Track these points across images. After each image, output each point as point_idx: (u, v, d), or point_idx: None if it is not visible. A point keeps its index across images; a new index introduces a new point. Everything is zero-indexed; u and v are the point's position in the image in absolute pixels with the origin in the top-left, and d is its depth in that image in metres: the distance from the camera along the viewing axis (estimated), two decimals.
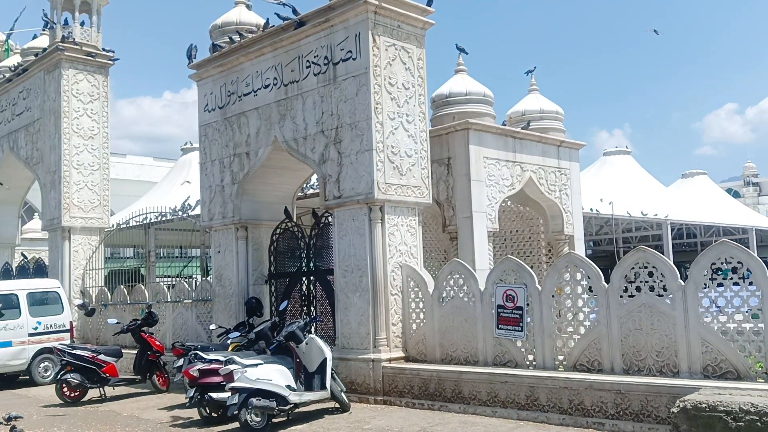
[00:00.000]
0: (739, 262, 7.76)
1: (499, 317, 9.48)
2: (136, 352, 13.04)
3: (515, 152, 13.41)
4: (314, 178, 14.20)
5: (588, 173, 29.13)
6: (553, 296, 9.15)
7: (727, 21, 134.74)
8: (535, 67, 16.01)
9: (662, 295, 8.19)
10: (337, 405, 9.70)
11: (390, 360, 10.32)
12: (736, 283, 7.88)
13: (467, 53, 14.46)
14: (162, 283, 16.39)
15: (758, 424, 5.99)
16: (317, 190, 13.06)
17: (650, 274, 8.28)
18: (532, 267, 11.46)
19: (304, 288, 12.04)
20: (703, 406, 6.30)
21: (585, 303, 8.96)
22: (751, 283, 7.72)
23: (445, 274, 10.36)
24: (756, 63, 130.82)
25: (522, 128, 13.99)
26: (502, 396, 8.93)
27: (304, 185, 14.64)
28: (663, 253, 18.54)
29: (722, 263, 7.92)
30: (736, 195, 41.20)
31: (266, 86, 12.30)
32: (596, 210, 23.31)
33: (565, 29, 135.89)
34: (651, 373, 8.13)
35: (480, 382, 9.20)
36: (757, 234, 32.30)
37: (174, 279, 19.82)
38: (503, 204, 13.51)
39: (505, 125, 14.28)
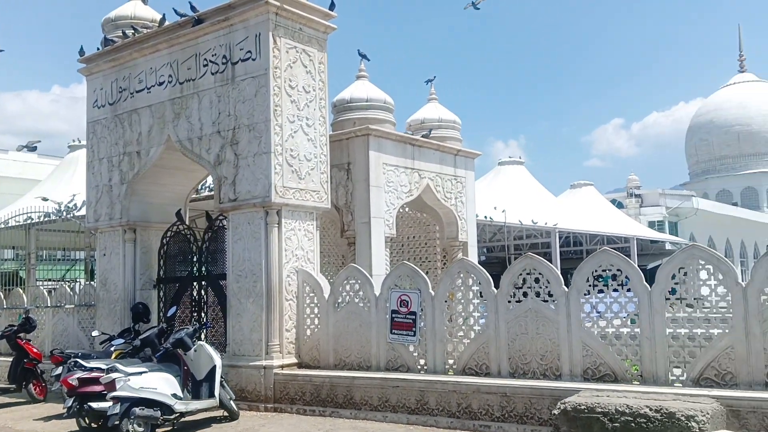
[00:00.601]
0: (618, 270, 8.18)
1: (392, 322, 9.55)
2: (11, 359, 12.27)
3: (414, 159, 13.60)
4: (209, 179, 13.82)
5: (483, 182, 29.91)
6: (445, 301, 9.30)
7: (616, 38, 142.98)
8: (434, 77, 16.26)
9: (547, 301, 8.50)
10: (226, 413, 9.44)
11: (282, 366, 10.16)
12: (615, 290, 8.29)
13: (369, 59, 14.53)
14: (42, 287, 15.49)
15: (632, 424, 6.31)
16: (212, 192, 12.73)
17: (537, 280, 8.57)
18: (427, 272, 11.65)
19: (194, 293, 11.66)
20: (582, 407, 6.58)
21: (475, 308, 9.17)
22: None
23: (341, 279, 10.32)
24: (641, 80, 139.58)
25: (423, 136, 14.20)
26: (393, 401, 8.99)
27: (199, 186, 14.23)
28: (551, 261, 19.34)
29: (603, 271, 8.31)
30: (619, 206, 43.36)
31: (161, 83, 11.87)
32: (490, 218, 24.01)
33: (465, 40, 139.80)
34: (535, 377, 8.41)
35: (372, 387, 9.22)
36: (638, 243, 34.28)
37: (56, 282, 18.74)
38: (401, 210, 13.66)
39: (412, 134, 14.43)
